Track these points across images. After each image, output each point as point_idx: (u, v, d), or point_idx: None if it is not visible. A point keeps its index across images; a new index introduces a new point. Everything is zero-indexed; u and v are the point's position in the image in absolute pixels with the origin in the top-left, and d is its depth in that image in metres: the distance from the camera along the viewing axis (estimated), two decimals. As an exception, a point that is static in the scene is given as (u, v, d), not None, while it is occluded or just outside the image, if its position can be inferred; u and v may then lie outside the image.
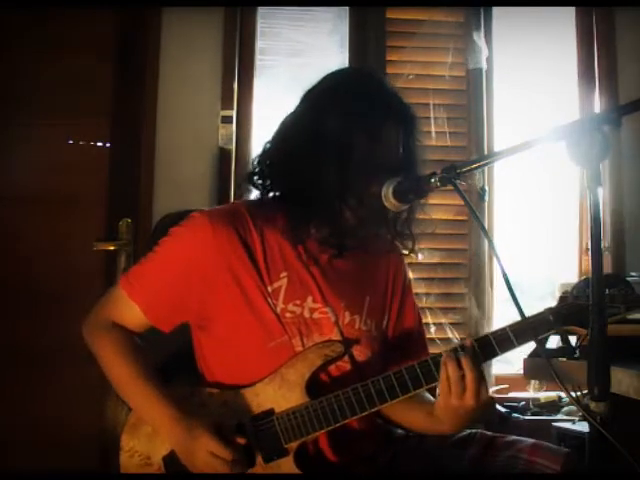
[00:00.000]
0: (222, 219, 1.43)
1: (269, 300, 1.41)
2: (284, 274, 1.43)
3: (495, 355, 1.36)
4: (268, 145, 1.50)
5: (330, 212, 1.41)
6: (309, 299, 1.43)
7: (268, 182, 1.48)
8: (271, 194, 1.49)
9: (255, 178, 1.50)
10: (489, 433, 1.50)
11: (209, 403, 1.41)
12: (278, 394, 1.38)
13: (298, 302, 1.42)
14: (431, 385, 1.38)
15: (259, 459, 1.37)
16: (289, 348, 1.40)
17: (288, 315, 1.41)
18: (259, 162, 1.50)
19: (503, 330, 1.36)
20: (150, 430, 1.42)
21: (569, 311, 1.37)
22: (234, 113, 2.76)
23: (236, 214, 1.46)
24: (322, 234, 1.45)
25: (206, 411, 1.39)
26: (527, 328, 1.34)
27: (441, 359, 1.32)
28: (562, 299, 1.40)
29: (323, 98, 1.46)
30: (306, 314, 1.42)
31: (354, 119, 1.39)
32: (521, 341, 1.36)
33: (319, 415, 1.36)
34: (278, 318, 1.40)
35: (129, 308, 1.43)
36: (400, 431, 1.57)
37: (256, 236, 1.44)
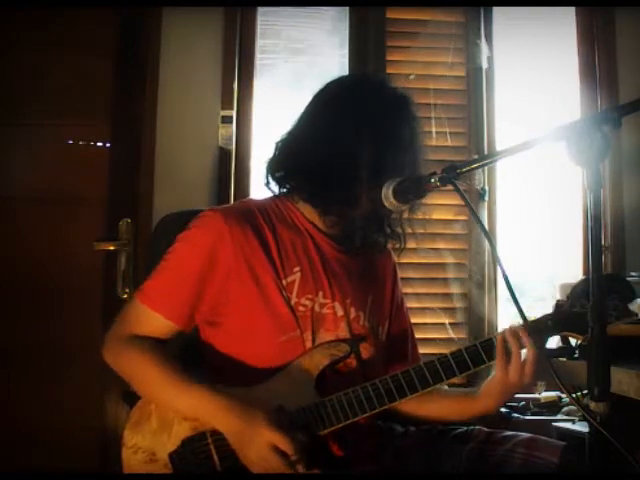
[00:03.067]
0: (235, 216, 1.46)
1: (284, 293, 1.43)
2: (297, 268, 1.46)
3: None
4: (281, 144, 1.54)
5: (345, 209, 1.45)
6: (320, 294, 1.46)
7: (287, 180, 1.52)
8: (284, 191, 1.53)
9: (273, 176, 1.53)
10: (486, 429, 1.52)
11: None
12: (287, 392, 1.39)
13: (310, 296, 1.45)
14: (436, 385, 1.41)
15: None
16: (299, 343, 1.42)
17: (301, 309, 1.44)
18: (276, 162, 1.53)
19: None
20: (155, 426, 1.41)
21: (567, 318, 1.41)
22: (234, 113, 2.76)
23: (246, 211, 1.49)
24: (333, 231, 1.50)
25: None
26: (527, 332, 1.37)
27: (498, 336, 1.38)
28: (558, 306, 1.42)
29: (338, 98, 1.50)
30: (317, 308, 1.45)
31: (368, 119, 1.44)
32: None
33: (329, 412, 1.38)
34: (292, 311, 1.42)
35: (153, 320, 1.43)
36: (399, 428, 1.59)
37: (268, 232, 1.46)
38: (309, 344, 1.43)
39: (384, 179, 1.39)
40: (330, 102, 1.50)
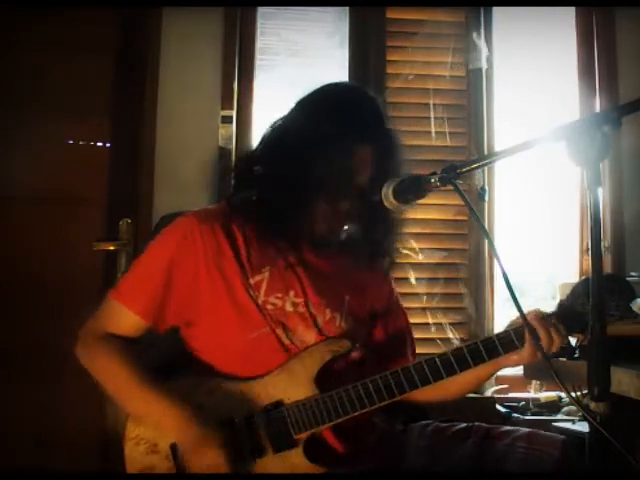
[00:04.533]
0: (206, 216, 1.49)
1: (250, 292, 1.45)
2: (266, 268, 1.47)
3: (499, 355, 1.43)
4: (256, 146, 1.54)
5: (298, 220, 1.45)
6: (291, 293, 1.47)
7: (249, 182, 1.52)
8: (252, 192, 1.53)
9: (241, 177, 1.55)
10: (485, 425, 1.53)
11: (217, 392, 1.43)
12: (288, 386, 1.41)
13: (279, 295, 1.46)
14: (436, 382, 1.42)
15: (269, 449, 1.39)
16: (272, 339, 1.44)
17: (269, 307, 1.45)
18: (244, 163, 1.55)
19: (507, 333, 1.43)
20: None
21: (568, 317, 1.41)
22: (234, 113, 2.76)
23: (219, 211, 1.52)
24: (307, 236, 1.49)
25: (213, 400, 1.42)
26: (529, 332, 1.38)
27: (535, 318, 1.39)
28: (561, 305, 1.43)
29: (310, 111, 1.49)
30: (288, 307, 1.46)
31: (332, 136, 1.41)
32: (523, 343, 1.41)
33: (329, 408, 1.40)
34: (259, 309, 1.44)
35: (124, 316, 1.46)
36: (399, 425, 1.60)
37: (238, 232, 1.48)
38: (286, 340, 1.44)
39: (343, 200, 1.42)
40: (299, 118, 1.49)
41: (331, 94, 1.52)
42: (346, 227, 1.51)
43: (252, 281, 1.45)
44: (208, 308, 1.45)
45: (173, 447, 1.40)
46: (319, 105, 1.49)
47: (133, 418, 1.45)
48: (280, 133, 1.49)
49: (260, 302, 1.45)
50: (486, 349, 1.42)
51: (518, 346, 1.41)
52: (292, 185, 1.42)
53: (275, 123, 1.52)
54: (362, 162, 1.44)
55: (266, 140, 1.52)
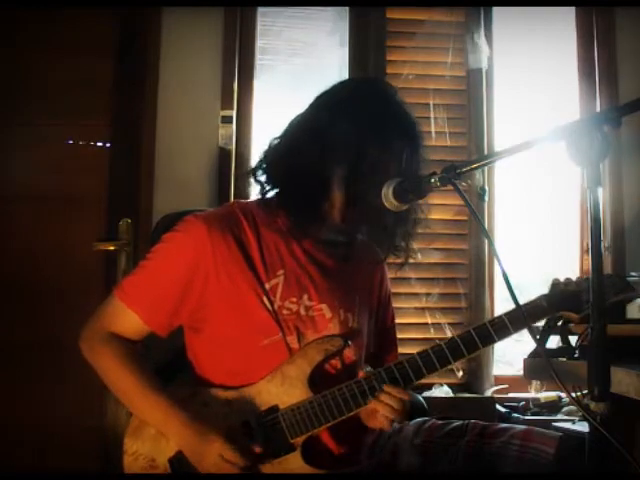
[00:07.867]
0: (216, 220, 1.45)
1: (264, 298, 1.42)
2: (281, 272, 1.45)
3: (493, 342, 1.43)
4: (274, 142, 1.52)
5: (323, 216, 1.44)
6: (305, 297, 1.45)
7: (270, 179, 1.50)
8: (269, 193, 1.52)
9: (259, 173, 1.52)
10: (481, 422, 1.52)
11: (212, 402, 1.42)
12: (281, 391, 1.39)
13: (294, 299, 1.44)
14: (428, 375, 1.42)
15: (267, 455, 1.37)
16: (283, 346, 1.42)
17: (285, 312, 1.43)
18: (263, 159, 1.52)
19: (500, 318, 1.43)
20: (154, 432, 1.42)
21: (562, 297, 1.43)
22: (234, 113, 2.76)
23: (230, 215, 1.48)
24: (318, 235, 1.48)
25: (209, 410, 1.40)
26: (522, 314, 1.39)
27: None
28: (554, 286, 1.43)
29: (334, 105, 1.47)
30: (302, 311, 1.44)
31: (360, 131, 1.41)
32: (516, 327, 1.42)
33: (323, 409, 1.38)
34: (275, 315, 1.42)
35: (128, 317, 1.43)
36: (395, 424, 1.59)
37: (251, 235, 1.45)
38: (295, 346, 1.42)
39: (370, 195, 1.39)
40: (323, 112, 1.47)
41: (369, 89, 1.53)
42: (362, 226, 1.50)
43: (268, 286, 1.43)
44: (216, 315, 1.43)
45: (171, 461, 1.40)
46: (359, 99, 1.46)
47: (131, 432, 1.44)
48: (312, 124, 1.46)
49: (276, 307, 1.42)
50: (479, 336, 1.42)
51: (511, 331, 1.41)
52: (320, 177, 1.41)
53: (296, 118, 1.50)
54: (394, 158, 1.44)
55: (294, 131, 1.48)
